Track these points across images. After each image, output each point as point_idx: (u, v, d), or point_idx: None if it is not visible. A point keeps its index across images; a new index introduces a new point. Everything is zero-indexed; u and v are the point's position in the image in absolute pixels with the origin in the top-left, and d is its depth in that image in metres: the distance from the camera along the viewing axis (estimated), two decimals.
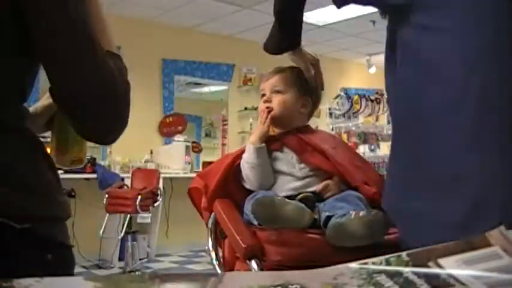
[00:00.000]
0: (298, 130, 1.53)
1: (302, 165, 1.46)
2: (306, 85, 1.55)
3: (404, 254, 0.46)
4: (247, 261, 1.27)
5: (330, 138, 1.61)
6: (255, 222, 1.32)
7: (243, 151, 1.52)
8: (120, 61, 0.83)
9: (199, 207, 1.57)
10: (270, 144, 1.50)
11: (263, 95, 1.56)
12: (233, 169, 1.51)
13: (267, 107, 1.52)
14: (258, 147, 1.45)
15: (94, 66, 0.76)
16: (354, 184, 1.41)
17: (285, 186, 1.43)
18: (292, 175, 1.45)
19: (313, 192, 1.40)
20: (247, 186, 1.48)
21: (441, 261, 0.44)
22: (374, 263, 0.46)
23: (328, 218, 1.25)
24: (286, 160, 1.48)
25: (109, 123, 0.81)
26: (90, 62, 0.76)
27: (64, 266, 0.83)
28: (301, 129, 1.54)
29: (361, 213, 1.21)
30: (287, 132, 1.54)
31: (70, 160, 0.98)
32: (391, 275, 0.43)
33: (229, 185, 1.50)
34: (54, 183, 0.83)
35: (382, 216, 1.22)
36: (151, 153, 5.87)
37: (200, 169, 5.82)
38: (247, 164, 1.46)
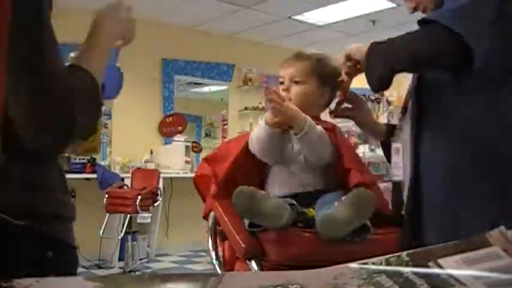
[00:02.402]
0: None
1: (301, 157, 1.43)
2: (327, 75, 1.49)
3: (404, 254, 0.46)
4: (247, 261, 1.27)
5: (337, 129, 1.60)
6: (245, 225, 1.32)
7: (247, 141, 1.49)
8: (87, 79, 0.83)
9: (205, 195, 1.54)
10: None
11: (281, 83, 1.51)
12: (241, 160, 1.48)
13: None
14: (271, 133, 1.40)
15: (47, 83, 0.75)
16: (347, 166, 1.39)
17: (280, 182, 1.42)
18: (289, 167, 1.43)
19: (309, 193, 1.39)
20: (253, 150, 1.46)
21: (441, 261, 0.44)
22: (374, 263, 0.46)
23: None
24: (287, 150, 1.45)
25: (54, 139, 0.80)
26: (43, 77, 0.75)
27: (66, 265, 0.83)
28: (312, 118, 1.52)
29: (343, 198, 1.21)
30: None
31: (83, 149, 0.97)
32: (391, 275, 0.43)
33: (237, 177, 1.47)
34: (58, 183, 0.83)
35: (364, 192, 1.22)
36: (151, 153, 5.87)
37: None
38: (257, 139, 1.43)
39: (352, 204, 1.19)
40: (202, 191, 1.57)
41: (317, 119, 1.51)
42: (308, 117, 1.38)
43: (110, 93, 1.02)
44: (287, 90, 1.49)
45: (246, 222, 1.32)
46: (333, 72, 1.47)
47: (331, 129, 1.45)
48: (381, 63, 1.25)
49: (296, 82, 1.49)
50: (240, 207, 1.26)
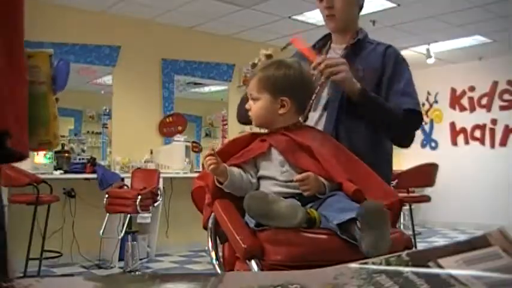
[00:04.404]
0: (286, 129, 1.51)
1: (284, 169, 1.44)
2: (278, 85, 1.49)
3: (404, 254, 0.46)
4: (247, 261, 1.27)
5: (318, 134, 1.59)
6: (252, 225, 1.32)
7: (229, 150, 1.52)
8: None
9: (202, 209, 1.55)
10: (255, 149, 1.49)
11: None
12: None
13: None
14: (225, 186, 1.43)
15: None
16: (337, 180, 1.40)
17: (267, 190, 1.41)
18: (274, 179, 1.44)
19: (299, 194, 1.39)
20: None
21: (441, 261, 0.44)
22: (374, 263, 0.46)
23: (338, 225, 1.24)
24: (270, 164, 1.46)
25: None
26: None
27: None
28: (289, 127, 1.52)
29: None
30: (275, 131, 1.52)
31: (36, 142, 0.95)
32: (391, 275, 0.43)
33: None
34: None
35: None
36: (151, 153, 5.88)
37: (200, 169, 5.83)
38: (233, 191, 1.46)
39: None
40: (198, 205, 1.57)
41: (296, 125, 1.53)
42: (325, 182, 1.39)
43: (61, 86, 1.02)
44: (249, 109, 1.55)
45: (252, 222, 1.31)
46: (284, 80, 1.49)
47: (307, 147, 1.45)
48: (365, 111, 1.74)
49: (253, 99, 1.53)
50: (255, 210, 1.27)
